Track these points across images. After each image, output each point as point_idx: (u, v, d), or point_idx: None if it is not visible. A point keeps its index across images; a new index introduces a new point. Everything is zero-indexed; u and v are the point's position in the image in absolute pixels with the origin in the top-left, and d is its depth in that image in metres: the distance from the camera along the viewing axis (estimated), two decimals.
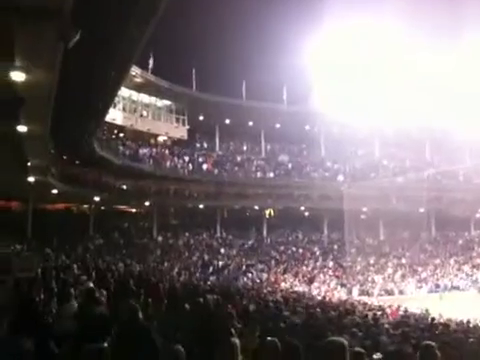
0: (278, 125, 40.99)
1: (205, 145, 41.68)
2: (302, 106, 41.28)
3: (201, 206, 37.04)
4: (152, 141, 38.10)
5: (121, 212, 38.29)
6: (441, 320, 15.71)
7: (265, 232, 39.70)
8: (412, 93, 41.57)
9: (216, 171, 38.25)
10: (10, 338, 4.57)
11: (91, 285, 8.32)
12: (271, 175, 39.57)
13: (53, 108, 11.96)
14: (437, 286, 33.85)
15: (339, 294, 29.66)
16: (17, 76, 9.38)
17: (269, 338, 5.27)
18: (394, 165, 42.34)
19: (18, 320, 5.53)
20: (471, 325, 15.66)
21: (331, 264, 35.93)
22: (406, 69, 41.69)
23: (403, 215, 34.82)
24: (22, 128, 13.35)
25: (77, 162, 29.78)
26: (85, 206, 35.37)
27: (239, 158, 41.02)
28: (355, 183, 35.47)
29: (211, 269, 32.30)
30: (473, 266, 37.47)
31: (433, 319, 14.69)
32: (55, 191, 26.79)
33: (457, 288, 34.11)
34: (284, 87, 40.76)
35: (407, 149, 43.44)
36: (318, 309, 12.74)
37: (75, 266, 13.57)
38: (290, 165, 41.51)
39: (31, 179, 22.43)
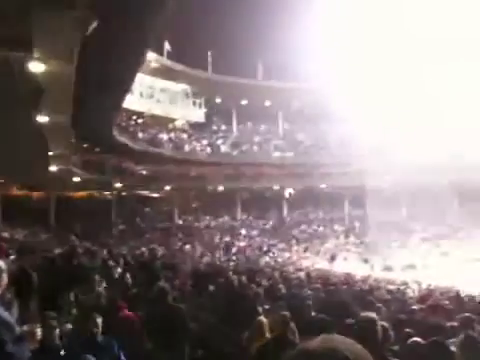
0: (295, 104, 40.67)
1: (222, 127, 41.65)
2: (319, 84, 40.81)
3: (221, 188, 37.19)
4: (170, 126, 38.26)
5: (142, 197, 38.72)
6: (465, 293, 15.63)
7: (285, 212, 39.76)
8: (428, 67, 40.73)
9: (234, 153, 38.28)
10: None
11: (119, 270, 8.49)
12: (290, 154, 39.43)
13: (72, 97, 12.10)
14: (460, 259, 33.51)
15: (362, 270, 29.61)
16: (36, 67, 9.52)
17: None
18: (415, 138, 41.65)
19: None
20: None
21: (353, 241, 35.91)
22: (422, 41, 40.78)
23: (425, 188, 34.50)
24: (43, 118, 13.56)
25: (97, 149, 30.13)
26: (107, 193, 35.85)
27: (257, 139, 40.92)
28: (376, 158, 35.15)
29: (233, 250, 32.57)
30: None
31: (457, 291, 14.66)
32: (77, 179, 27.22)
33: None
34: (300, 65, 40.29)
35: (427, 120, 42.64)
36: (343, 286, 12.82)
37: (105, 252, 13.83)
38: (309, 143, 41.25)
39: (53, 168, 22.82)
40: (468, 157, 38.06)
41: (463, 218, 39.69)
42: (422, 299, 11.72)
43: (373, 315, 3.49)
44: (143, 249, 23.64)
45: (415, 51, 40.55)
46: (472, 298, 13.50)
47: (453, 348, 3.92)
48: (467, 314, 4.79)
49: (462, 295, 14.13)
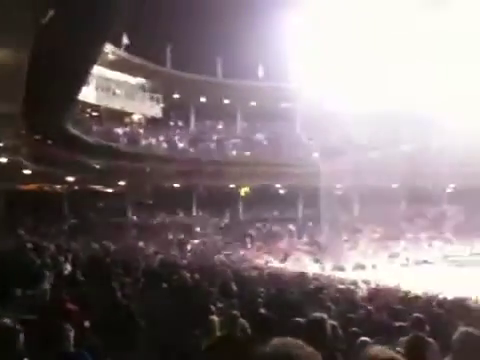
0: (254, 103, 40.95)
1: (180, 123, 41.38)
2: (278, 83, 41.30)
3: (177, 185, 36.93)
4: (126, 120, 37.65)
5: (95, 192, 37.89)
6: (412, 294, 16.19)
7: (241, 210, 39.94)
8: (390, 67, 41.94)
9: (192, 150, 38.10)
10: None
11: (69, 266, 8.28)
12: (247, 153, 39.62)
13: (25, 87, 11.71)
14: (408, 260, 34.70)
15: (313, 269, 30.17)
16: None
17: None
18: (369, 141, 42.70)
19: None
20: (441, 297, 16.20)
21: (306, 240, 36.48)
22: (384, 43, 41.92)
23: (377, 190, 35.51)
24: None
25: (49, 142, 29.24)
26: (58, 186, 34.88)
27: (215, 136, 40.88)
28: (330, 160, 35.85)
29: (187, 248, 32.43)
30: (443, 240, 38.54)
31: (405, 292, 15.20)
32: (27, 171, 26.37)
33: (427, 262, 35.06)
34: (260, 64, 40.62)
35: (381, 125, 44.01)
36: (295, 285, 12.99)
37: (54, 247, 13.43)
38: (266, 143, 41.61)
39: (2, 160, 22.04)
40: (418, 161, 39.38)
41: (411, 220, 41.11)
42: (370, 298, 12.04)
43: (322, 315, 3.56)
44: (95, 245, 23.19)
45: (372, 51, 41.57)
46: (419, 298, 13.99)
47: (398, 348, 4.04)
48: (417, 314, 4.97)
49: (409, 295, 14.64)
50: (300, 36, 42.45)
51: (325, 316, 3.51)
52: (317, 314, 3.62)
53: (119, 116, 36.72)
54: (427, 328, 4.71)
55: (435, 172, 39.64)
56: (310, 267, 31.30)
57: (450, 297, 16.20)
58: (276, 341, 0.90)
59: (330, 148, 39.48)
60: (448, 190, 43.70)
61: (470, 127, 36.75)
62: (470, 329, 3.08)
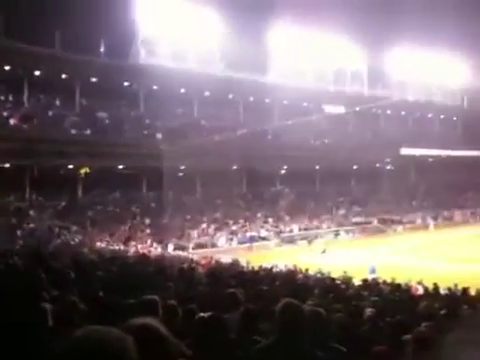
0: (95, 79, 39.12)
1: (11, 98, 37.74)
2: (121, 60, 40.07)
3: (6, 165, 33.76)
4: None
5: None
6: (248, 268, 17.28)
7: (80, 192, 38.11)
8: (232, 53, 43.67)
9: (25, 127, 35.05)
10: None
11: None
12: (87, 132, 37.76)
13: None
14: (246, 238, 36.79)
15: (156, 250, 30.37)
16: None
17: None
18: (210, 124, 43.91)
19: None
20: (275, 271, 17.57)
21: (148, 222, 36.34)
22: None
23: (218, 172, 36.82)
24: None
25: None
26: None
27: (51, 113, 38.13)
28: (174, 141, 36.01)
29: (19, 233, 30.01)
30: (277, 218, 41.68)
31: (243, 267, 16.17)
32: None
33: (263, 239, 37.65)
34: (102, 40, 38.89)
35: (223, 110, 45.68)
36: (137, 266, 12.94)
37: None
38: (108, 122, 40.10)
39: None
40: (254, 144, 41.78)
41: (249, 200, 43.63)
42: (209, 275, 12.54)
43: (154, 297, 3.63)
44: None
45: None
46: (255, 272, 15.00)
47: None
48: (232, 290, 5.32)
49: (246, 270, 15.61)
50: (145, 13, 41.73)
51: (156, 298, 3.58)
52: (148, 296, 3.68)
53: None
54: (242, 299, 5.07)
55: (269, 155, 42.61)
56: (152, 248, 31.44)
57: (281, 270, 17.70)
58: (82, 331, 0.88)
59: (173, 130, 39.69)
60: (281, 172, 47.29)
61: (299, 115, 40.12)
62: (291, 300, 3.40)
